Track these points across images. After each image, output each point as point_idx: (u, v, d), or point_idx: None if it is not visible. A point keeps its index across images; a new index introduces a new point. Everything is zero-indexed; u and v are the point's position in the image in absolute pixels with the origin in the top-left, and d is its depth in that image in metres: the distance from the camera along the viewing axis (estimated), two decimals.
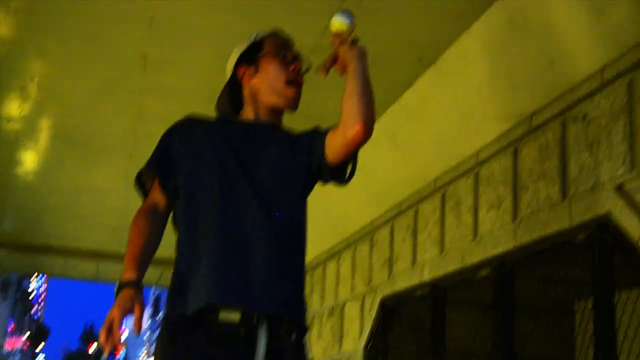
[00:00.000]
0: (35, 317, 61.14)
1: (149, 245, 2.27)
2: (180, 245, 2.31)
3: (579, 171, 3.59)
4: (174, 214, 2.37)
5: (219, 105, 2.54)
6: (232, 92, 2.49)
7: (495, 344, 4.27)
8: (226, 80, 2.52)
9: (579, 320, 4.16)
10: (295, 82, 2.43)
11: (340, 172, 2.36)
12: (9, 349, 36.73)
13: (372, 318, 5.95)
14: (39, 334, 61.36)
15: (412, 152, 5.16)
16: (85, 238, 9.40)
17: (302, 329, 2.28)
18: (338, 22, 2.31)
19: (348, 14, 2.32)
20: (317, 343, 7.42)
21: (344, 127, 2.24)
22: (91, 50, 4.55)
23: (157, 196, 2.35)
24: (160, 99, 5.13)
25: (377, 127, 5.41)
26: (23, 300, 45.50)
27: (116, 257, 9.94)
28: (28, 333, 53.53)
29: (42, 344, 62.30)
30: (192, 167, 2.33)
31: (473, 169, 4.63)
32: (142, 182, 2.41)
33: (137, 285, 2.16)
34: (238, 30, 4.07)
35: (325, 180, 2.41)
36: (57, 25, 4.27)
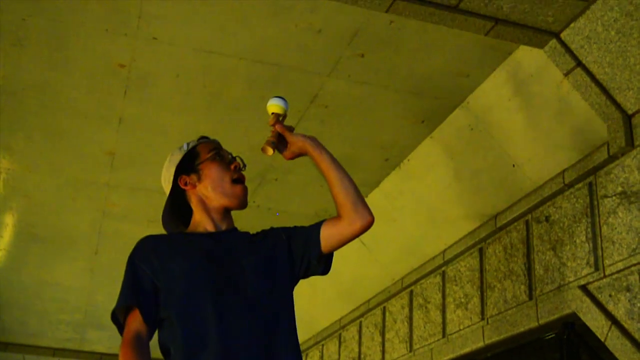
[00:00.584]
0: None
1: None
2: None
3: (544, 271, 3.63)
4: (163, 338, 2.28)
5: (167, 221, 2.49)
6: (176, 205, 2.47)
7: None
8: (166, 196, 2.48)
9: None
10: (239, 179, 2.45)
11: (325, 263, 2.43)
12: None
13: None
14: None
15: (379, 250, 5.17)
16: (45, 335, 9.15)
17: None
18: (275, 105, 2.46)
19: (283, 99, 2.48)
20: None
21: (350, 219, 2.36)
22: (58, 147, 4.55)
23: (138, 325, 2.24)
24: (126, 196, 5.12)
25: None
26: None
27: (77, 354, 9.70)
28: None
29: None
30: (178, 294, 2.23)
31: (440, 267, 4.66)
32: (116, 316, 2.31)
33: None
34: (204, 129, 4.14)
35: (312, 275, 2.45)
36: (25, 122, 4.28)
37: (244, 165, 2.50)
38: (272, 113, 2.46)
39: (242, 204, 2.45)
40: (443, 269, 4.64)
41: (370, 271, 5.37)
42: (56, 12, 3.35)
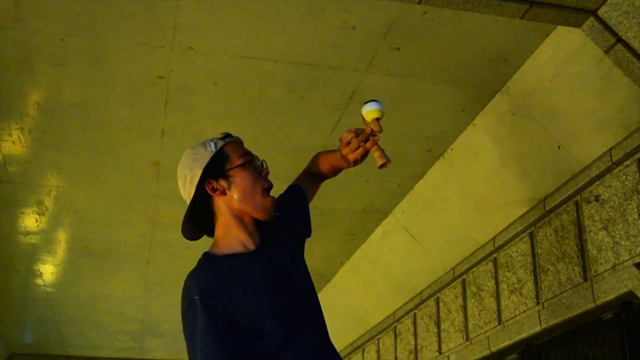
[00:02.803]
0: None
1: None
2: None
3: (598, 251, 3.58)
4: None
5: (187, 228, 2.32)
6: (200, 211, 2.27)
7: None
8: (186, 198, 2.29)
9: None
10: (269, 189, 2.29)
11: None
12: None
13: None
14: None
15: (428, 241, 5.16)
16: (105, 346, 9.32)
17: None
18: (377, 110, 2.24)
19: (379, 101, 2.27)
20: None
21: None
22: (104, 162, 4.63)
23: None
24: (175, 206, 5.17)
25: (391, 219, 5.45)
26: None
27: None
28: None
29: None
30: (264, 332, 2.13)
31: (491, 254, 4.63)
32: None
33: None
34: (246, 135, 4.16)
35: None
36: (70, 140, 4.36)
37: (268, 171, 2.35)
38: (375, 119, 2.23)
39: (272, 217, 2.29)
40: (494, 255, 4.61)
41: (421, 263, 5.35)
42: (93, 30, 3.41)
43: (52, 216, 5.45)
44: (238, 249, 2.24)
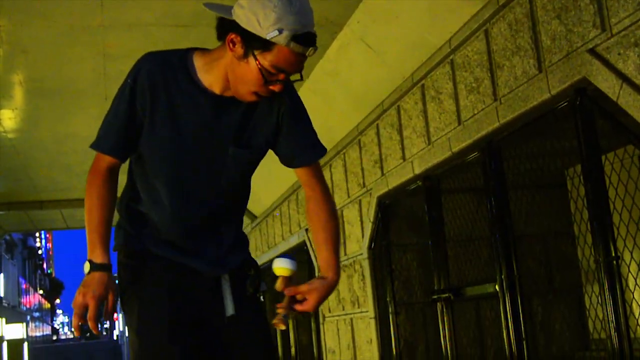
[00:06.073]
0: (47, 272, 61.62)
1: (111, 215, 2.23)
2: (140, 191, 2.32)
3: (551, 41, 3.58)
4: (133, 167, 2.34)
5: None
6: (218, 23, 2.12)
7: (492, 225, 4.34)
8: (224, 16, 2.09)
9: (570, 186, 4.23)
10: (261, 96, 2.15)
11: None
12: (27, 306, 37.39)
13: (372, 218, 6.03)
14: (54, 289, 62.21)
15: (385, 51, 5.12)
16: (76, 187, 9.39)
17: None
18: (281, 268, 2.20)
19: (289, 257, 2.22)
20: None
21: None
22: None
23: (114, 161, 2.27)
24: (124, 35, 5.05)
25: (347, 31, 5.35)
26: (31, 258, 45.90)
27: None
28: (42, 291, 54.02)
29: (58, 300, 63.23)
30: (158, 156, 2.24)
31: (448, 56, 4.61)
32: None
33: (110, 269, 2.18)
34: None
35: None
36: None
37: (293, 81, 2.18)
38: (280, 276, 2.20)
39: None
40: (451, 57, 4.59)
41: (380, 73, 5.34)
42: None
43: (1, 60, 5.30)
44: (204, 82, 2.20)
